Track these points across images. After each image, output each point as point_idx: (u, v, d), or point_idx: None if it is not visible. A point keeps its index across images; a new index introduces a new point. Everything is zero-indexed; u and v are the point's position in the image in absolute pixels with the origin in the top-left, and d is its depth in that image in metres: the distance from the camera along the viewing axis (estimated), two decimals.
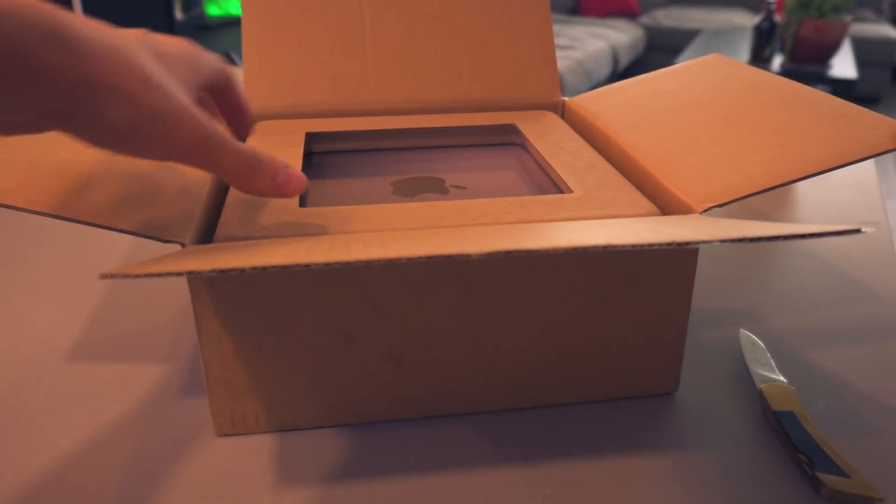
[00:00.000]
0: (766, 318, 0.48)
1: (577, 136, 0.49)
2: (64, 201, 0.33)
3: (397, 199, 0.43)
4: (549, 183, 0.45)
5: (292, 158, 0.45)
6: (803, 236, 0.27)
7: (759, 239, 0.27)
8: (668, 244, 0.26)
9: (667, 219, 0.35)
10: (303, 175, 0.33)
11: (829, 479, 0.33)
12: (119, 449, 0.37)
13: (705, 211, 0.36)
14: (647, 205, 0.38)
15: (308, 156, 0.50)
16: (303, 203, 0.42)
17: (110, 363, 0.44)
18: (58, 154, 0.38)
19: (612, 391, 0.40)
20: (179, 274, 0.25)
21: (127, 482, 0.34)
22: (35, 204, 0.32)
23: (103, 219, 0.33)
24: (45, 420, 0.39)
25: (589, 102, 0.54)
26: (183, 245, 0.34)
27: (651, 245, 0.26)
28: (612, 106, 0.52)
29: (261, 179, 0.32)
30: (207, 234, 0.37)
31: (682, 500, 0.34)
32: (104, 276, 0.24)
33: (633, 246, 0.26)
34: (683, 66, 0.54)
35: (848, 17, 2.72)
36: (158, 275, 0.24)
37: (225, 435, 0.37)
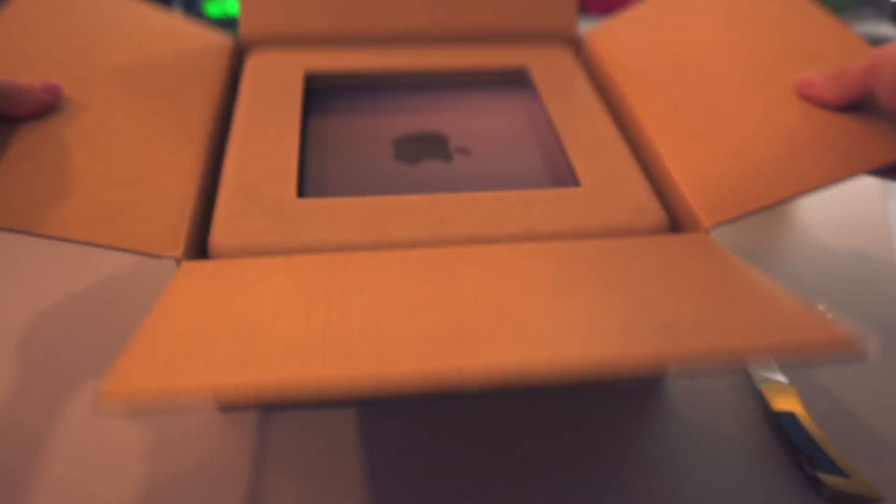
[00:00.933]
0: None
1: (592, 95, 0.46)
2: (35, 215, 0.31)
3: (399, 165, 0.41)
4: (559, 157, 0.42)
5: (292, 105, 0.43)
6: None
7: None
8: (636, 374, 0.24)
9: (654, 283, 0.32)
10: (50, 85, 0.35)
11: (829, 479, 0.33)
12: (120, 449, 0.37)
13: (714, 226, 0.35)
14: (656, 211, 0.37)
15: (308, 97, 0.48)
16: (302, 184, 0.40)
17: (110, 363, 0.44)
18: (45, 127, 0.35)
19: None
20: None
21: (127, 482, 0.34)
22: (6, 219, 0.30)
23: (83, 234, 0.31)
24: (44, 420, 0.39)
25: (608, 40, 0.50)
26: (178, 260, 0.32)
27: (618, 370, 0.24)
28: (634, 50, 0.48)
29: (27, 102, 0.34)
30: (200, 241, 0.36)
31: (682, 499, 0.34)
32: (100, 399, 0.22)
33: (602, 372, 0.24)
34: None
35: (850, 16, 2.72)
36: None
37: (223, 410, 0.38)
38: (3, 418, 0.39)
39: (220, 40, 0.49)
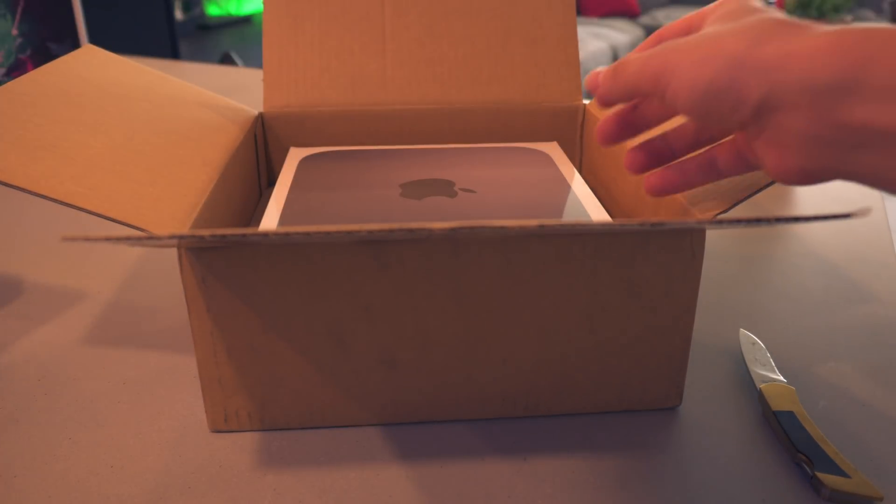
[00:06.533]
0: (766, 318, 0.48)
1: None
2: (65, 184, 0.33)
3: (404, 200, 0.43)
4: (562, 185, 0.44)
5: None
6: (796, 220, 0.27)
7: (750, 221, 0.27)
8: (653, 225, 0.27)
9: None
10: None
11: (829, 478, 0.33)
12: (120, 448, 0.37)
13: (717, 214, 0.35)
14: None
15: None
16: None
17: (110, 363, 0.44)
18: (71, 137, 0.38)
19: (610, 404, 0.39)
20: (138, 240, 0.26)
21: (127, 481, 0.35)
22: (32, 183, 0.32)
23: (98, 206, 0.33)
24: (45, 420, 0.39)
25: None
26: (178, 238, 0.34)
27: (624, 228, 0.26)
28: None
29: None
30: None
31: (682, 499, 0.34)
32: (65, 239, 0.25)
33: (578, 225, 0.26)
34: None
35: (848, 17, 2.72)
36: (117, 240, 0.26)
37: (217, 431, 0.38)
38: (4, 417, 0.39)
39: (246, 110, 0.53)
